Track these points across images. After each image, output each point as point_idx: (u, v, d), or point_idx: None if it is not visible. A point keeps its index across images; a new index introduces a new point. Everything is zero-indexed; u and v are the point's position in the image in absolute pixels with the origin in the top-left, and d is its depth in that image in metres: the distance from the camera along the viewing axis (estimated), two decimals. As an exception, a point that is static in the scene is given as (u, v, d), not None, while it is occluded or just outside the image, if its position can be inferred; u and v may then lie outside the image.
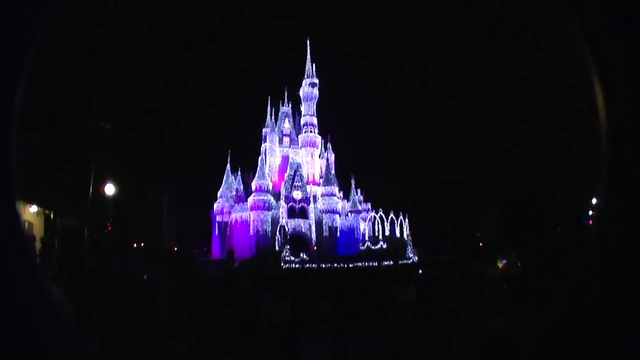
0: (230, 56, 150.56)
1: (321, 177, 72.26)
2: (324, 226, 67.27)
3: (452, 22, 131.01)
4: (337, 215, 68.45)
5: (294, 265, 50.93)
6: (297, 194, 68.69)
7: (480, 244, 65.45)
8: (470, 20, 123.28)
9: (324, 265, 47.06)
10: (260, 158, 68.74)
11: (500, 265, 14.33)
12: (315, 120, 74.55)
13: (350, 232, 68.93)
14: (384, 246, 63.10)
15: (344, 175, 73.52)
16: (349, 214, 70.38)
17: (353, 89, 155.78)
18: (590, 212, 37.90)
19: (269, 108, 74.80)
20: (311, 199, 68.72)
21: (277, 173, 71.73)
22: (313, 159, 73.58)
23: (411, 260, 56.66)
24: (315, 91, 74.81)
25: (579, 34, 1.59)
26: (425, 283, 8.40)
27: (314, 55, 76.76)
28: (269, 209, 64.84)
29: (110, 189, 23.25)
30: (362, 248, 65.15)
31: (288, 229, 62.91)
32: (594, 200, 38.45)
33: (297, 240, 62.79)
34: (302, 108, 75.45)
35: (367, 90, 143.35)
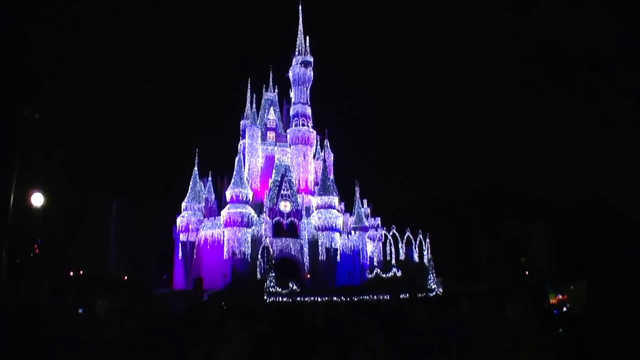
0: (200, 26, 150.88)
1: (316, 183, 72.03)
2: (319, 247, 67.00)
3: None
4: (337, 234, 68.25)
5: (281, 298, 50.72)
6: (284, 206, 68.49)
7: (527, 273, 65.45)
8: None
9: (319, 299, 46.87)
10: (237, 159, 68.43)
11: (553, 300, 14.38)
12: (309, 111, 74.34)
13: (354, 256, 68.82)
14: (398, 274, 63.01)
15: (345, 181, 73.60)
16: (353, 231, 70.23)
17: (359, 73, 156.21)
18: None
19: (249, 94, 74.56)
20: (303, 212, 68.53)
21: (259, 178, 71.59)
22: (306, 161, 73.45)
23: (434, 292, 56.52)
24: (310, 72, 74.40)
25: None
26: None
27: (310, 30, 76.58)
28: (248, 225, 64.54)
29: (38, 200, 22.85)
30: (369, 276, 65.01)
31: (273, 251, 62.67)
32: None
33: (285, 266, 62.56)
34: (292, 94, 75.10)
35: (378, 76, 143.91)
